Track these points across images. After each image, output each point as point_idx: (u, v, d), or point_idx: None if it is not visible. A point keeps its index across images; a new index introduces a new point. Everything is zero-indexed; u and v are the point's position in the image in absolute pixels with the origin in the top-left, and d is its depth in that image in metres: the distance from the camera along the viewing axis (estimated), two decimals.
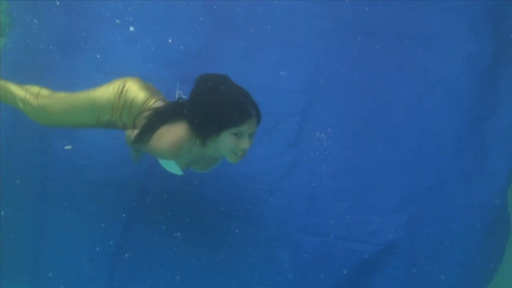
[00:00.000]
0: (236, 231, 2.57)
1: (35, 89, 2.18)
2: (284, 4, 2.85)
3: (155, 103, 1.95)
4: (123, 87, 1.99)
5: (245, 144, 1.73)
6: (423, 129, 2.63)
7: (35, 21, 2.87)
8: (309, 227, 2.54)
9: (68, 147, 2.62)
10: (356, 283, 2.53)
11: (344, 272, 2.52)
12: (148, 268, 2.60)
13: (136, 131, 1.91)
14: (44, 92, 2.16)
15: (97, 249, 2.60)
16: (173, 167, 1.92)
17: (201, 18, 2.90)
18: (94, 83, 2.14)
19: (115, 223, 2.61)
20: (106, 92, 2.00)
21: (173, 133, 1.79)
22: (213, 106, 1.69)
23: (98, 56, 2.79)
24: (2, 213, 2.64)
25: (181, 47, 2.83)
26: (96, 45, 2.85)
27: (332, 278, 2.52)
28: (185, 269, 2.59)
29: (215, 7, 2.92)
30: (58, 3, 2.93)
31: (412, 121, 2.64)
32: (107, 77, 2.56)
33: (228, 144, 1.72)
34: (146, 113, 1.91)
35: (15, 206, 2.67)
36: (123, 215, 2.60)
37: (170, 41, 2.84)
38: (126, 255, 2.59)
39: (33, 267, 2.67)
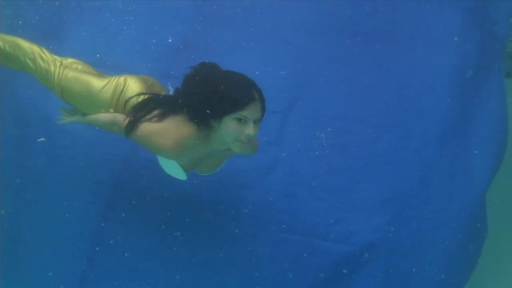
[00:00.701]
0: (215, 225, 2.56)
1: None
2: (283, 3, 2.84)
3: None
4: (123, 87, 1.92)
5: (250, 129, 1.63)
6: (405, 130, 2.62)
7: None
8: (289, 226, 2.52)
9: (42, 139, 2.60)
10: (336, 283, 2.51)
11: (324, 272, 2.50)
12: (147, 267, 2.60)
13: (122, 117, 1.81)
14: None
15: (97, 248, 2.59)
16: (175, 169, 1.85)
17: (201, 18, 2.88)
18: None
19: (115, 223, 2.59)
20: (105, 91, 1.92)
21: (175, 129, 1.71)
22: (214, 90, 1.62)
23: (83, 47, 2.76)
24: (2, 212, 2.64)
25: (169, 40, 2.82)
26: (82, 36, 2.82)
27: (311, 277, 2.50)
28: (186, 268, 2.57)
29: (214, 7, 2.90)
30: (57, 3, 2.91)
31: (394, 122, 2.63)
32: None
33: (232, 130, 1.64)
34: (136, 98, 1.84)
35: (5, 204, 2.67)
36: (122, 215, 2.59)
37: (170, 40, 2.82)
38: (126, 254, 2.58)
39: (30, 266, 2.66)
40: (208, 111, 1.64)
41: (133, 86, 1.92)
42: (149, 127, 1.74)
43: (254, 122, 1.67)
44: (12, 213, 2.66)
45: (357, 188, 2.56)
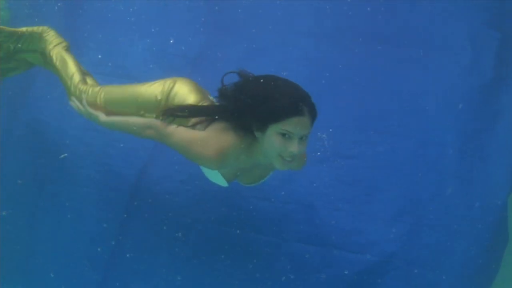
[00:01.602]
0: (234, 236, 2.56)
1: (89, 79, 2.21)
2: (285, 4, 2.82)
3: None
4: (172, 87, 1.87)
5: (293, 147, 1.50)
6: (422, 139, 2.60)
7: (36, 19, 2.84)
8: (307, 236, 2.51)
9: (64, 155, 2.63)
10: None
11: (342, 283, 2.49)
12: (149, 268, 2.60)
13: (159, 122, 1.75)
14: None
15: (99, 249, 2.60)
16: (217, 177, 1.80)
17: (202, 19, 2.89)
18: None
19: (116, 224, 2.61)
20: (153, 91, 1.90)
21: (218, 138, 1.63)
22: (260, 96, 1.52)
23: (99, 57, 2.78)
24: (4, 213, 2.65)
25: (182, 48, 2.81)
26: (96, 46, 2.84)
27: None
28: (187, 270, 2.57)
29: (216, 8, 2.90)
30: (60, 4, 2.91)
31: (412, 131, 2.61)
32: (107, 79, 2.58)
33: (275, 145, 1.52)
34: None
35: (14, 206, 2.69)
36: (124, 215, 2.60)
37: (171, 41, 2.82)
38: (127, 255, 2.59)
39: (34, 267, 2.69)
40: (251, 119, 1.56)
41: (182, 89, 1.87)
42: (190, 135, 1.68)
43: (301, 138, 1.53)
44: (12, 215, 2.68)
45: (374, 198, 2.54)
